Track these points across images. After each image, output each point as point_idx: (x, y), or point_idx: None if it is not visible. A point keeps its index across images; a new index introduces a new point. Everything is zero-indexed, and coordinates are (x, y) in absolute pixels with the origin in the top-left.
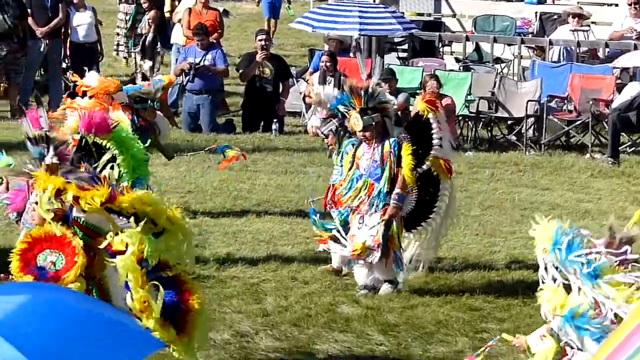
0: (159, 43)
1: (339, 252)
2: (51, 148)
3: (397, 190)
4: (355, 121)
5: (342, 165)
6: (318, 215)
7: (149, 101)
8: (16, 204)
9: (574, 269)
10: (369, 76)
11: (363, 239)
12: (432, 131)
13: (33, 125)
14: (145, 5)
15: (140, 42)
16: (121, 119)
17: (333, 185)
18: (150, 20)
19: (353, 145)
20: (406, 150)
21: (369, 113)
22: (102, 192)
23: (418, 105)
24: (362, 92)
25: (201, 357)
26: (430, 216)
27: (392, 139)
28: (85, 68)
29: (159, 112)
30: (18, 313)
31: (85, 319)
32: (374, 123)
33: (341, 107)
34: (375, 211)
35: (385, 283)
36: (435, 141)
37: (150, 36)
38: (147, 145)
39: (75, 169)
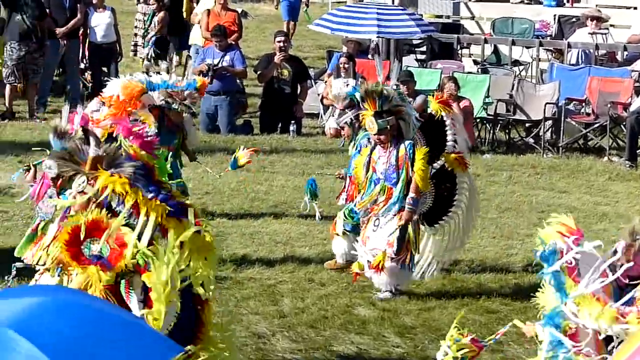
0: (170, 44)
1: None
2: (92, 140)
3: (411, 194)
4: (370, 124)
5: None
6: (314, 185)
7: (178, 103)
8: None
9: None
10: (387, 78)
11: (377, 243)
12: (446, 129)
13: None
14: (154, 7)
15: (150, 43)
16: (146, 115)
17: (350, 177)
18: (158, 21)
19: (368, 139)
20: (419, 154)
21: (384, 116)
22: (161, 208)
23: (432, 106)
24: (377, 96)
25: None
26: (451, 210)
27: (407, 142)
28: (104, 68)
29: (186, 114)
30: (37, 312)
31: (105, 321)
32: (388, 126)
33: (357, 95)
34: (393, 215)
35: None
36: (449, 139)
37: (152, 38)
38: (169, 145)
39: (121, 161)
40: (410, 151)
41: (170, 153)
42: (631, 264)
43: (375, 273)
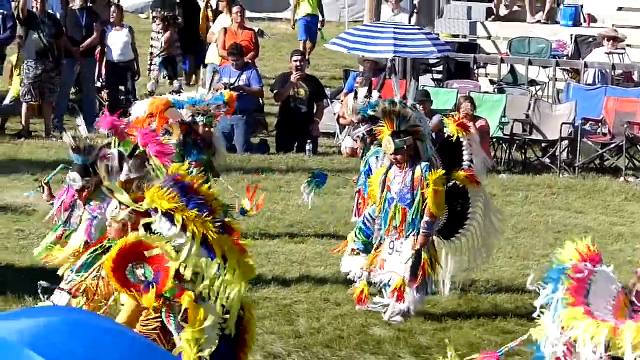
0: (178, 64)
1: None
2: (125, 165)
3: (426, 218)
4: (387, 144)
5: (366, 173)
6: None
7: (204, 116)
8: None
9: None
10: (404, 98)
11: (394, 267)
12: (463, 150)
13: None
14: (159, 27)
15: (158, 64)
16: (174, 127)
17: (359, 190)
18: (165, 41)
19: (377, 158)
20: (433, 178)
21: (402, 136)
22: (208, 225)
23: (449, 128)
24: (395, 116)
25: None
26: (466, 224)
27: (424, 164)
28: (122, 87)
29: (214, 130)
30: (53, 332)
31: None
32: (405, 146)
33: (370, 112)
34: (406, 237)
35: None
36: (465, 160)
37: (159, 59)
38: (195, 160)
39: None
40: (427, 173)
41: (196, 169)
42: None
43: (394, 300)
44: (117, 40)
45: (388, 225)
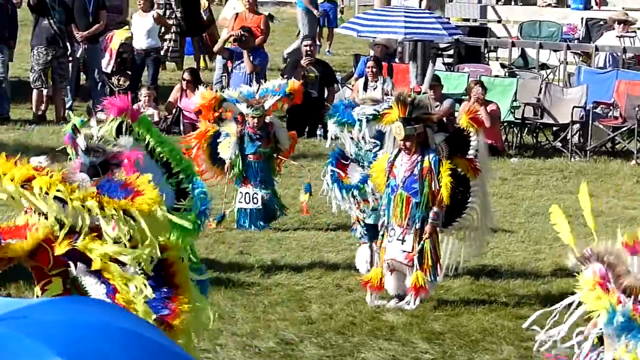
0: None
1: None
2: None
3: (435, 208)
4: (397, 130)
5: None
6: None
7: (256, 109)
8: None
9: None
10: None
11: (394, 254)
12: (470, 141)
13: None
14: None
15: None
16: (228, 126)
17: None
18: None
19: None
20: (445, 170)
21: (412, 123)
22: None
23: (461, 120)
24: (409, 102)
25: None
26: (465, 212)
27: (432, 155)
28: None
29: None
30: (87, 338)
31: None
32: (415, 133)
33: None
34: (409, 226)
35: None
36: (470, 152)
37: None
38: (252, 153)
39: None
40: (435, 165)
41: (257, 161)
42: None
43: (413, 293)
44: (141, 27)
45: (392, 214)
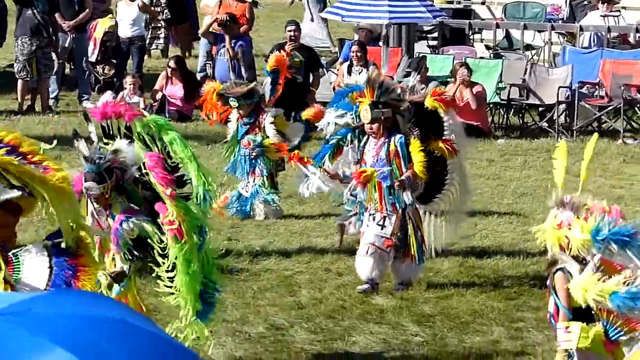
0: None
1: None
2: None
3: (407, 173)
4: (364, 113)
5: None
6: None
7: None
8: None
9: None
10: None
11: (371, 238)
12: (443, 121)
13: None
14: None
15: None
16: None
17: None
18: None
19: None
20: (415, 147)
21: (380, 107)
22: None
23: (427, 102)
24: (377, 85)
25: (237, 351)
26: (444, 189)
27: (398, 137)
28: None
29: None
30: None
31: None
32: (382, 117)
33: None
34: (389, 210)
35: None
36: (445, 131)
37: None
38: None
39: None
40: (402, 147)
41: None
42: None
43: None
44: (126, 15)
45: (366, 199)
